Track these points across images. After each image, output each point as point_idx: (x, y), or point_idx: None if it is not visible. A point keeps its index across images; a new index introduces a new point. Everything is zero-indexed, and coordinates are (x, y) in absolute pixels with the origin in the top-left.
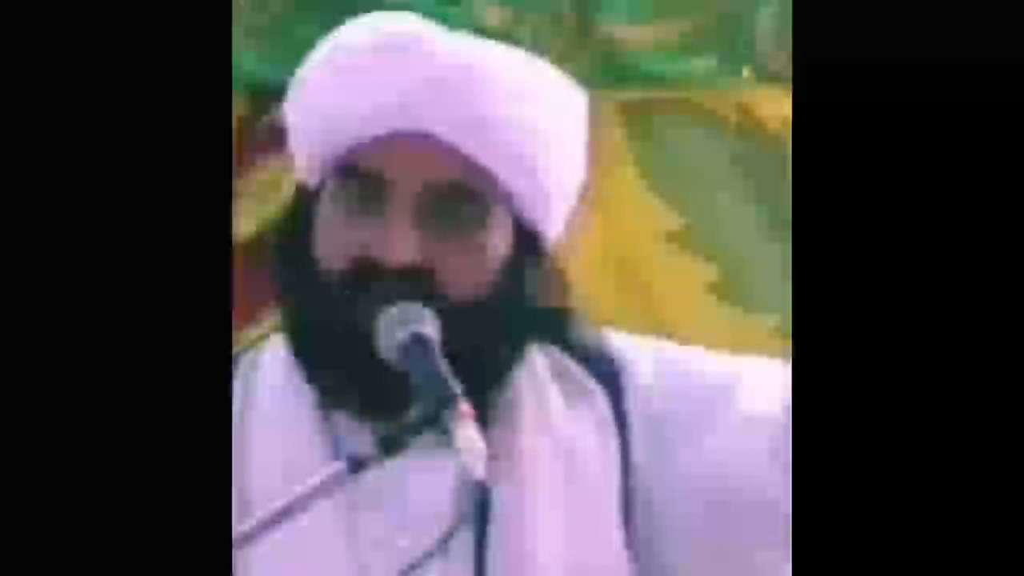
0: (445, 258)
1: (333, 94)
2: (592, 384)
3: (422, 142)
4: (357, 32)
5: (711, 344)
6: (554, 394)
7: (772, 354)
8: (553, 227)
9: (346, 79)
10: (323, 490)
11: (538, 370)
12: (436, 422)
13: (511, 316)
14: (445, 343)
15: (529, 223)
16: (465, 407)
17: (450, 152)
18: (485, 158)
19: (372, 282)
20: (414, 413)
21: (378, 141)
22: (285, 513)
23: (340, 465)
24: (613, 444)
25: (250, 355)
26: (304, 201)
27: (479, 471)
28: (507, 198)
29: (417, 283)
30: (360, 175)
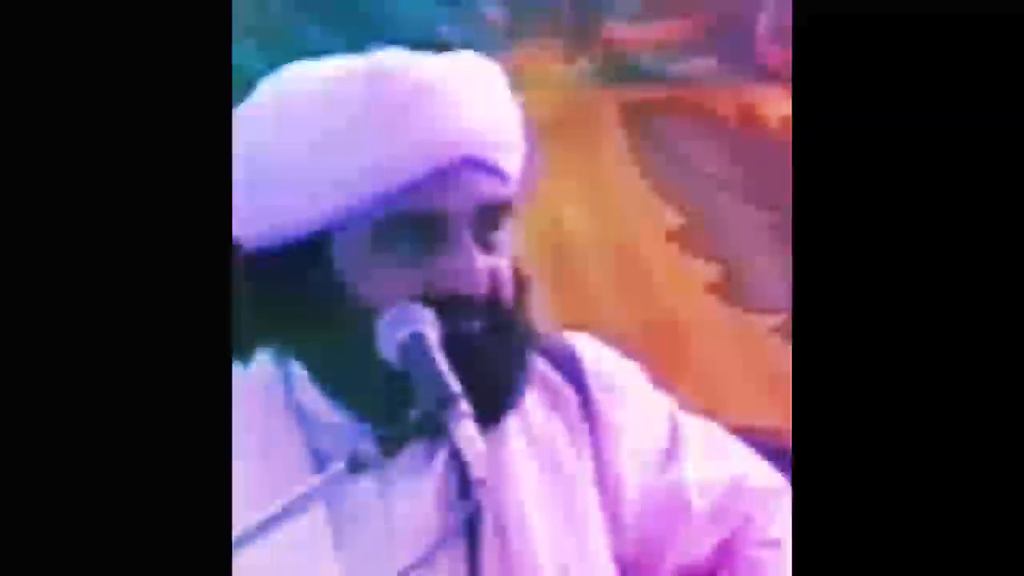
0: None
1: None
2: (561, 384)
3: (463, 169)
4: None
5: (711, 343)
6: (530, 395)
7: (772, 354)
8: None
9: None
10: (323, 490)
11: None
12: (436, 422)
13: (524, 325)
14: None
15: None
16: (465, 407)
17: (492, 170)
18: (509, 166)
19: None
20: (414, 413)
21: (427, 177)
22: (285, 514)
23: (340, 465)
24: (586, 441)
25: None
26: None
27: (480, 470)
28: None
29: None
30: (411, 214)
